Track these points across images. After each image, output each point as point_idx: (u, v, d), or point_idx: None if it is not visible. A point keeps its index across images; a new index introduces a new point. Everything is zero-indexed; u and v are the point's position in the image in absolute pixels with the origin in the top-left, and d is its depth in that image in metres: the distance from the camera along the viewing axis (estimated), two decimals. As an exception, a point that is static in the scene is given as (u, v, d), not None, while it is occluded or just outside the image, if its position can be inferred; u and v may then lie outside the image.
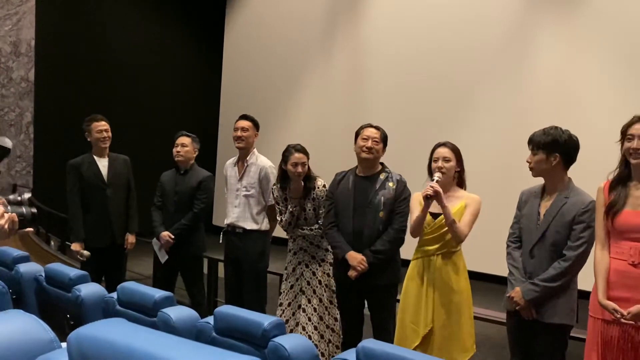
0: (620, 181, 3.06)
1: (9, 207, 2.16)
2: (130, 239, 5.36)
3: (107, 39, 10.68)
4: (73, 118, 10.17)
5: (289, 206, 4.51)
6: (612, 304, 2.97)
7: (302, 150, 4.48)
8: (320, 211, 4.45)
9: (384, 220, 3.97)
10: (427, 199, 3.60)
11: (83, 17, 10.46)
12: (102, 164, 5.32)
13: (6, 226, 2.09)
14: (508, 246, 3.51)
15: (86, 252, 5.06)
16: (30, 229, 2.32)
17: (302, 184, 4.48)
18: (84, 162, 5.27)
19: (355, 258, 3.95)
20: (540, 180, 3.46)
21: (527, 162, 3.37)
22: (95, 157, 5.31)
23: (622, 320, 2.94)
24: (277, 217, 4.67)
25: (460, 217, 3.70)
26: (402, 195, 3.99)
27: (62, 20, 10.20)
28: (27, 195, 9.05)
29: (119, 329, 1.12)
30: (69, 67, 10.11)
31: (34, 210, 2.32)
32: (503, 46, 8.21)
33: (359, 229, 4.00)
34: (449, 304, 3.74)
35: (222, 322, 2.77)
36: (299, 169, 4.43)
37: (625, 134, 3.02)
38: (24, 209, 2.26)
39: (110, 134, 5.33)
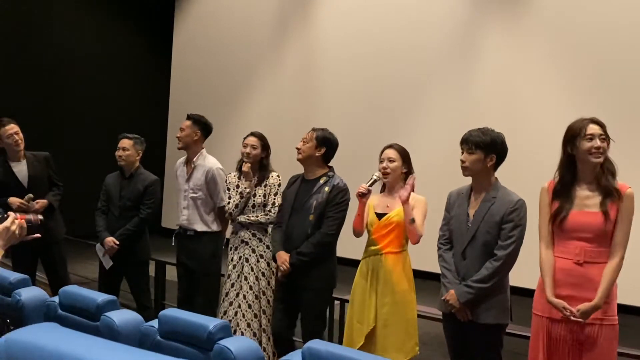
0: (564, 186, 3.09)
1: (17, 215, 2.38)
2: (41, 203, 5.10)
3: (50, 34, 10.30)
4: (14, 116, 9.86)
5: (240, 187, 4.55)
6: (561, 302, 3.02)
7: (258, 136, 4.62)
8: (270, 199, 4.55)
9: (313, 223, 4.00)
10: (360, 196, 3.76)
11: (25, 11, 10.08)
12: (19, 168, 5.17)
13: (17, 232, 2.34)
14: (439, 248, 3.54)
15: None
16: (38, 235, 2.51)
17: (249, 166, 4.52)
18: None
19: (280, 258, 4.05)
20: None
21: (461, 160, 3.39)
22: (10, 162, 5.17)
23: (572, 318, 2.99)
24: (225, 203, 4.69)
25: (401, 219, 3.75)
26: (334, 200, 4.00)
27: (0, 14, 9.85)
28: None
29: (49, 333, 1.10)
30: (10, 64, 9.76)
31: (41, 217, 2.53)
32: (450, 48, 8.31)
33: (290, 230, 4.09)
34: (391, 303, 3.78)
35: (166, 326, 2.74)
36: (248, 149, 4.55)
37: (577, 137, 3.02)
38: (31, 216, 2.47)
39: (21, 135, 5.18)
